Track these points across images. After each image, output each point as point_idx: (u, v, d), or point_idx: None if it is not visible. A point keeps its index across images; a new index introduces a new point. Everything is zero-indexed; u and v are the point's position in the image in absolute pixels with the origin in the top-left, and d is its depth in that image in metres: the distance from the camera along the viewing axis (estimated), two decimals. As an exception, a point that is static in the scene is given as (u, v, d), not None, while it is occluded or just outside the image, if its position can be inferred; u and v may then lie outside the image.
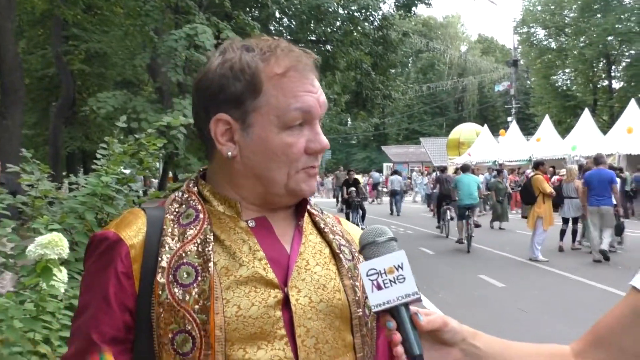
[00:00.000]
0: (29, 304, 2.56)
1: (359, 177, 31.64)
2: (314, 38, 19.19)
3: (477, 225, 15.69)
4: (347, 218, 16.45)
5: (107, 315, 1.07)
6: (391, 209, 26.96)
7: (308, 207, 1.25)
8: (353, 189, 18.85)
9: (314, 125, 1.15)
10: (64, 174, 8.01)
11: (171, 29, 11.40)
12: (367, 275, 1.05)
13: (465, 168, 15.71)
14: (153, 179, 16.42)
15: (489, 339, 1.15)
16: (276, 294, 1.09)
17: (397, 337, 1.02)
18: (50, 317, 2.52)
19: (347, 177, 20.84)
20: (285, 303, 1.10)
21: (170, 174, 15.08)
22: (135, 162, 4.15)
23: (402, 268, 1.05)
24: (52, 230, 2.86)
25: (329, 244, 1.22)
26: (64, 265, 2.60)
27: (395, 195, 26.95)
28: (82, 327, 1.09)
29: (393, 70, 24.74)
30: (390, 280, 1.04)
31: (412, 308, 1.06)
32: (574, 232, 13.66)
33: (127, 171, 4.11)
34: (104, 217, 3.68)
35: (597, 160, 12.22)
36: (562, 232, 13.57)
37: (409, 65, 66.29)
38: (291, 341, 1.09)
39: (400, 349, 1.02)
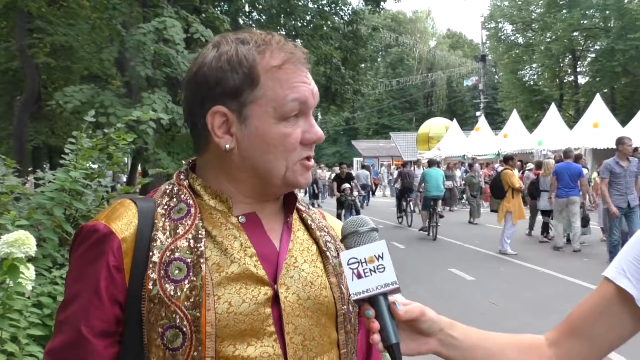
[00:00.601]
0: (-5, 301, 2.51)
1: (326, 171, 32.01)
2: (283, 32, 19.10)
3: (441, 216, 16.49)
4: (339, 218, 15.74)
5: (97, 308, 1.06)
6: (361, 203, 27.42)
7: (296, 203, 1.25)
8: (347, 185, 16.12)
9: (308, 116, 1.16)
10: (29, 169, 7.84)
11: (139, 23, 11.22)
12: (348, 264, 1.07)
13: (431, 162, 16.97)
14: (121, 174, 16.18)
15: (465, 330, 1.16)
16: (266, 291, 1.10)
17: (375, 325, 1.04)
18: (18, 315, 2.47)
19: (339, 171, 17.83)
20: (275, 300, 1.10)
21: (140, 169, 14.89)
22: (104, 157, 4.09)
23: (382, 258, 1.06)
24: (19, 226, 2.80)
25: (315, 241, 1.23)
26: (31, 262, 2.55)
27: (364, 189, 27.69)
28: (70, 319, 1.08)
29: (363, 65, 24.81)
30: (371, 270, 1.06)
31: (390, 298, 1.07)
32: (545, 225, 13.89)
33: (96, 166, 4.05)
34: (73, 213, 3.62)
35: (566, 153, 12.62)
36: (545, 225, 13.96)
37: (379, 59, 66.53)
38: (280, 338, 1.09)
39: (377, 337, 1.04)
